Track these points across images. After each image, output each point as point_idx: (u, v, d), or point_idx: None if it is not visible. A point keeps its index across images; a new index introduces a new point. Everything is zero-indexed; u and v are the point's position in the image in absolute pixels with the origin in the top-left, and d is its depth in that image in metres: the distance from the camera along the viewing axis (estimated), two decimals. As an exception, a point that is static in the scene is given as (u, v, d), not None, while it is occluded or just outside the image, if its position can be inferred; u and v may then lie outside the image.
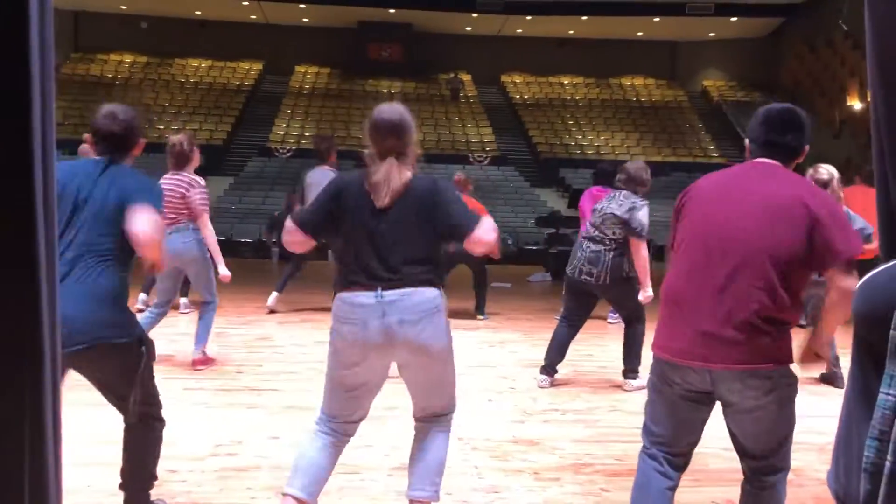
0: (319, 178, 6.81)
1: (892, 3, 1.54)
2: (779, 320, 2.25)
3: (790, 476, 3.57)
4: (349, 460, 3.59)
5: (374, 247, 2.59)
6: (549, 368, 5.24)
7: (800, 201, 2.22)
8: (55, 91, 1.77)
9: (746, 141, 2.46)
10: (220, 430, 4.02)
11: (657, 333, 2.43)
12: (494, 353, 6.39)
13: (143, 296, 7.41)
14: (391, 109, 2.71)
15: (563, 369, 5.66)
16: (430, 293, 2.62)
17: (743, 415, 2.32)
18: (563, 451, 3.89)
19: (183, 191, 5.24)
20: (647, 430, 2.54)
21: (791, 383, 2.32)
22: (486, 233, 2.62)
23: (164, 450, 3.67)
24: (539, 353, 6.37)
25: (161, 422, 2.98)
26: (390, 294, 2.56)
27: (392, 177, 2.59)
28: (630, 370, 5.17)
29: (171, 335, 6.53)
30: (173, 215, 5.19)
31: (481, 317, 8.05)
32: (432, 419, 2.84)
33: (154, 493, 3.09)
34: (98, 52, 25.74)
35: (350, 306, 2.60)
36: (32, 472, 1.56)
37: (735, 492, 2.62)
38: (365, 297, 2.57)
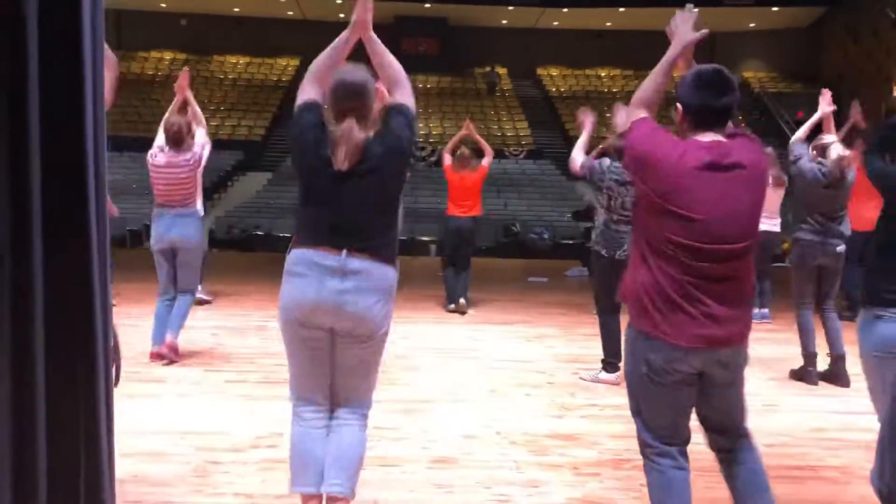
0: None
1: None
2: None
3: (835, 474, 3.53)
4: (388, 453, 3.62)
5: (338, 208, 2.56)
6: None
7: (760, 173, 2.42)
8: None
9: (678, 105, 2.47)
10: (262, 422, 4.07)
11: (655, 321, 2.37)
12: (531, 348, 6.38)
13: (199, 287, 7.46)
14: (354, 73, 2.68)
15: (601, 365, 5.63)
16: (391, 272, 2.62)
17: (731, 388, 2.45)
18: (603, 446, 3.88)
19: (189, 168, 5.33)
20: (647, 430, 2.51)
21: None
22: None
23: (207, 441, 3.75)
24: (576, 348, 6.35)
25: None
26: (353, 261, 2.54)
27: (352, 136, 2.54)
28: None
29: (212, 328, 6.64)
30: (179, 196, 5.30)
31: (453, 305, 7.86)
32: (352, 410, 2.72)
33: (196, 485, 3.15)
34: (139, 49, 26.16)
35: (309, 263, 2.56)
36: (88, 461, 1.61)
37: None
38: (326, 257, 2.54)
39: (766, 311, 7.63)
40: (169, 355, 5.28)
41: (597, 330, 7.25)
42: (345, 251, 2.53)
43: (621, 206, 4.92)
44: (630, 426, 4.24)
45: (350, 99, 2.61)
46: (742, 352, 2.42)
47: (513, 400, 4.73)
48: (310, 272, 2.55)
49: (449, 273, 7.92)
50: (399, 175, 2.66)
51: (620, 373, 5.10)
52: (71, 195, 1.64)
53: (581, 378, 5.26)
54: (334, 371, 2.68)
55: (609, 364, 5.17)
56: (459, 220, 7.70)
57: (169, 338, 5.29)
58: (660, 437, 2.47)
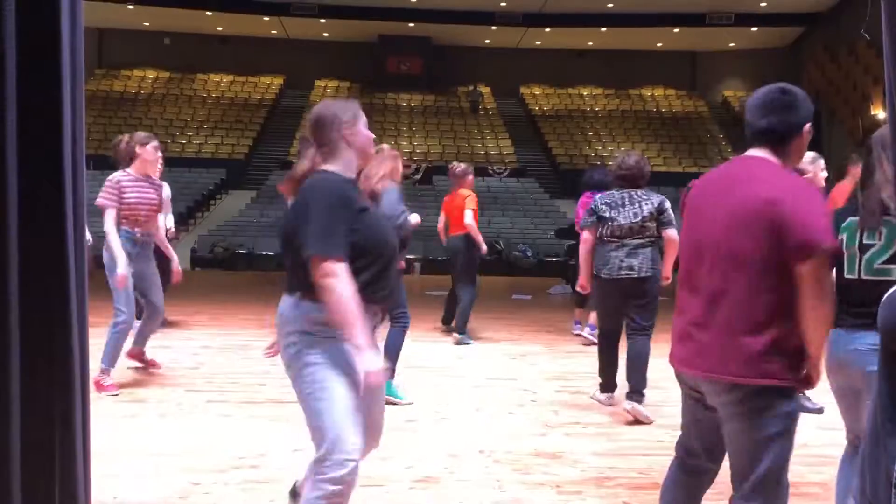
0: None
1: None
2: (762, 326, 2.13)
3: (817, 490, 3.54)
4: (372, 472, 3.60)
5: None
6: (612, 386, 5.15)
7: (764, 199, 2.12)
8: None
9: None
10: (244, 442, 4.04)
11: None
12: (515, 366, 6.37)
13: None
14: (321, 105, 2.63)
15: (584, 382, 5.64)
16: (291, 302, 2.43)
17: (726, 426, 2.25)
18: (586, 464, 3.87)
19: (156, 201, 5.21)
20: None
21: (768, 404, 2.14)
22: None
23: (188, 462, 3.71)
24: (560, 366, 6.36)
25: None
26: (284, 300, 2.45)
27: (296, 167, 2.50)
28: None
29: (194, 348, 6.59)
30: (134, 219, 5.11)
31: (457, 335, 7.54)
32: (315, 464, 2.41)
33: (179, 506, 3.11)
34: (122, 68, 26.12)
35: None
36: (63, 483, 1.59)
37: None
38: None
39: None
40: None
41: (579, 347, 7.29)
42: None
43: (610, 230, 4.95)
44: (612, 444, 4.26)
45: (309, 129, 2.58)
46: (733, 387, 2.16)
47: (496, 418, 4.72)
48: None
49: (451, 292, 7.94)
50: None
51: (613, 394, 5.10)
52: (48, 214, 1.63)
53: (589, 397, 5.25)
54: None
55: (600, 384, 5.16)
56: (449, 239, 7.68)
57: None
58: (679, 439, 2.52)
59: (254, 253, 16.71)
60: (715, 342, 2.18)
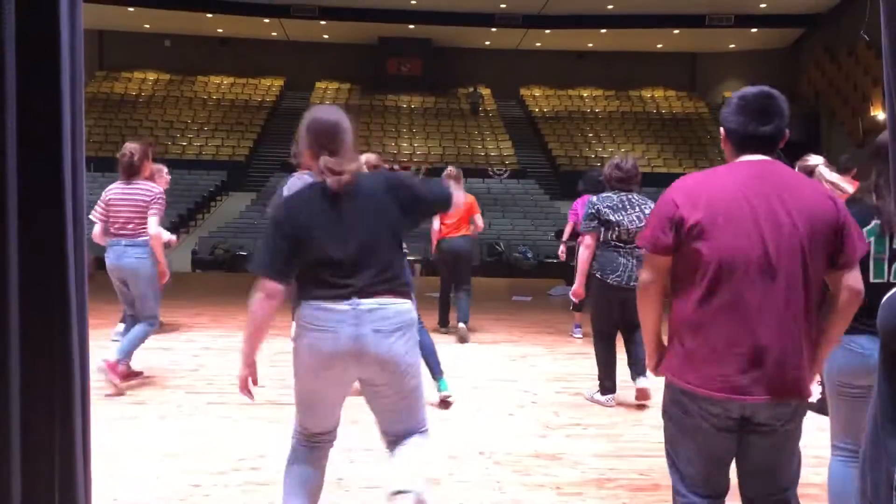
0: (294, 185, 6.66)
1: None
2: (810, 337, 2.16)
3: (817, 491, 3.54)
4: (372, 474, 3.60)
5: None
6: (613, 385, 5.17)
7: (830, 204, 2.12)
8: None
9: (722, 129, 2.29)
10: (244, 444, 4.04)
11: (699, 371, 2.15)
12: (516, 367, 6.37)
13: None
14: (325, 111, 2.68)
15: (585, 383, 5.64)
16: (405, 305, 2.55)
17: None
18: (586, 465, 3.87)
19: (143, 202, 5.20)
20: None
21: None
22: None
23: (188, 463, 3.71)
24: (560, 367, 6.35)
25: None
26: (366, 303, 2.47)
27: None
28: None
29: (195, 350, 6.59)
30: (131, 229, 5.18)
31: (462, 325, 7.68)
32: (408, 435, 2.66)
33: (179, 507, 3.11)
34: (122, 70, 26.13)
35: (323, 312, 2.48)
36: (63, 482, 1.59)
37: None
38: (339, 304, 2.47)
39: None
40: (107, 375, 4.98)
41: (579, 349, 7.29)
42: (354, 296, 2.49)
43: (617, 234, 4.94)
44: (613, 445, 4.26)
45: (324, 137, 2.58)
46: None
47: (497, 419, 4.72)
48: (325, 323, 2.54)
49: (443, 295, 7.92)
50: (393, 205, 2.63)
51: (613, 395, 5.12)
52: (48, 216, 1.63)
53: (585, 398, 5.26)
54: (375, 411, 2.67)
55: (602, 386, 5.18)
56: (449, 241, 7.67)
57: (108, 358, 5.02)
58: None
59: (254, 255, 16.67)
60: (789, 361, 2.09)
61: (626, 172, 4.99)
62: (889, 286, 2.36)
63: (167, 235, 5.67)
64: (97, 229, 5.30)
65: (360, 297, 2.46)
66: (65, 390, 1.65)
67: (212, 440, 4.12)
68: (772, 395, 2.08)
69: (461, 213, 7.51)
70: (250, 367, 2.59)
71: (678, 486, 2.30)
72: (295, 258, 2.51)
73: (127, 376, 5.14)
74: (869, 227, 2.47)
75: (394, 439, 2.68)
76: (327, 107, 2.72)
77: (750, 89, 2.25)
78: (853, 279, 2.14)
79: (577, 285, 5.20)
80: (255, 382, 2.59)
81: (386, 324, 2.47)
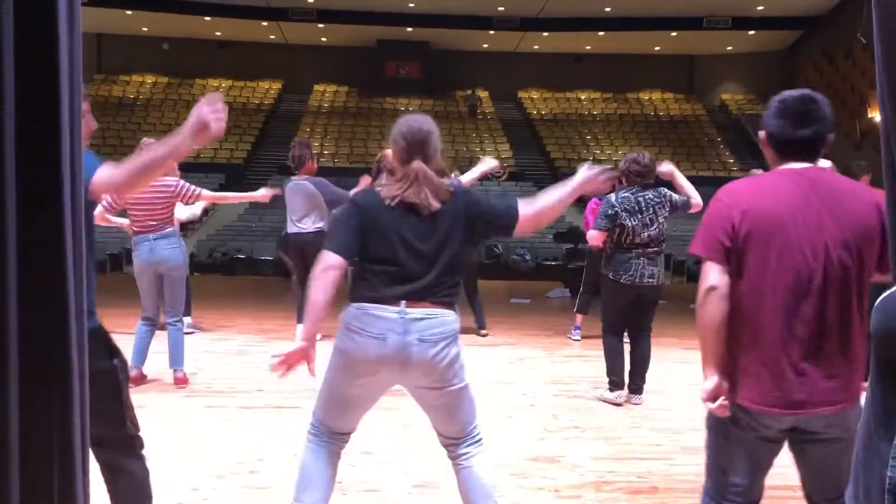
0: (294, 188, 6.65)
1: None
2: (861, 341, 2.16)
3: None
4: (370, 477, 3.60)
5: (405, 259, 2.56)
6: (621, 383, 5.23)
7: (876, 211, 2.09)
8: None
9: (761, 133, 2.26)
10: (243, 448, 4.04)
11: (752, 387, 2.13)
12: (514, 370, 6.37)
13: (187, 319, 7.47)
14: (418, 119, 2.74)
15: (583, 386, 5.64)
16: (450, 316, 2.62)
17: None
18: (584, 468, 3.87)
19: (168, 194, 5.27)
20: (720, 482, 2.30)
21: None
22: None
23: (187, 467, 3.71)
24: (559, 370, 6.35)
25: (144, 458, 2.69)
26: (414, 311, 2.53)
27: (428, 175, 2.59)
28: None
29: (193, 354, 6.59)
30: (155, 221, 5.26)
31: (483, 332, 7.92)
32: (461, 440, 2.78)
33: (177, 511, 3.11)
34: (120, 73, 26.13)
35: (371, 318, 2.54)
36: (62, 485, 1.59)
37: None
38: (388, 310, 2.53)
39: None
40: (181, 384, 5.38)
41: (578, 351, 7.29)
42: (403, 302, 2.55)
43: (630, 237, 4.96)
44: (611, 448, 4.26)
45: (418, 144, 2.66)
46: None
47: (495, 422, 4.71)
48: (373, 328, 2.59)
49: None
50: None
51: (622, 392, 5.15)
52: (47, 218, 1.63)
53: (598, 398, 5.30)
54: (429, 414, 2.78)
55: (612, 383, 5.22)
56: None
57: (177, 374, 5.39)
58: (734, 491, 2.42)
59: (253, 258, 16.68)
60: (839, 371, 2.10)
61: (645, 167, 5.02)
62: None
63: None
64: (98, 210, 5.25)
65: (409, 304, 2.52)
66: (63, 393, 1.64)
67: (210, 443, 4.12)
68: (825, 406, 2.09)
69: None
70: (310, 341, 2.58)
71: (716, 495, 2.29)
72: (361, 243, 2.57)
73: (139, 380, 5.32)
74: None
75: (450, 443, 2.78)
76: (420, 115, 2.78)
77: (791, 93, 2.23)
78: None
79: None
80: (310, 362, 2.59)
81: (431, 333, 2.54)
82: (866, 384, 2.06)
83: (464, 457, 2.76)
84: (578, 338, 7.68)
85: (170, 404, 4.91)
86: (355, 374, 2.61)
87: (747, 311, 2.12)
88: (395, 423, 4.53)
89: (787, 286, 2.07)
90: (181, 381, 5.37)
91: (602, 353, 5.34)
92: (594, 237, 5.17)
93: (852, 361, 2.12)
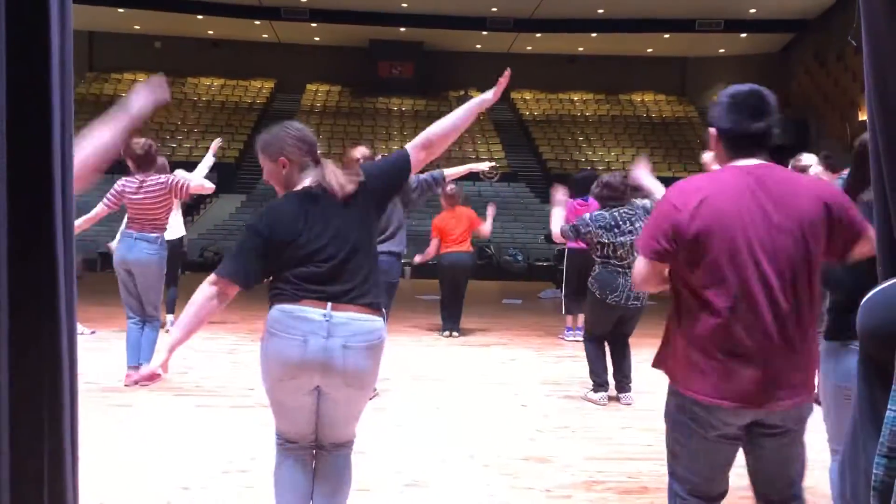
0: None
1: (890, 20, 1.55)
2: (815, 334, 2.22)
3: (806, 495, 3.55)
4: (361, 476, 3.59)
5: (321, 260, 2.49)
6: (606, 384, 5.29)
7: (821, 205, 2.11)
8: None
9: (712, 130, 2.24)
10: (233, 447, 4.03)
11: (707, 382, 2.14)
12: (506, 370, 6.38)
13: (170, 317, 7.48)
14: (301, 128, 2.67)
15: (575, 386, 5.65)
16: (377, 322, 2.54)
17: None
18: (575, 468, 3.88)
19: (161, 191, 5.29)
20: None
21: None
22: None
23: (177, 467, 3.70)
24: (550, 371, 6.36)
25: None
26: (339, 315, 2.45)
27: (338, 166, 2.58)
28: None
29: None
30: (143, 221, 5.30)
31: (456, 333, 7.95)
32: (340, 448, 2.73)
33: (167, 510, 3.10)
34: (112, 71, 26.03)
35: (294, 320, 2.47)
36: (52, 487, 1.59)
37: None
38: (312, 313, 2.45)
39: None
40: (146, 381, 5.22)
41: (569, 352, 7.30)
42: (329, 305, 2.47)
43: (613, 253, 4.99)
44: (602, 448, 4.27)
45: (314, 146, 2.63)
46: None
47: (486, 422, 4.72)
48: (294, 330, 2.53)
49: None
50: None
51: (605, 393, 5.19)
52: (38, 218, 1.63)
53: (582, 397, 5.34)
54: (323, 418, 2.65)
55: (595, 384, 5.27)
56: (451, 255, 7.79)
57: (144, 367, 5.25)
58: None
59: (225, 258, 16.62)
60: (794, 365, 2.12)
61: (616, 190, 5.07)
62: None
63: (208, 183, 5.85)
64: (96, 212, 5.35)
65: (335, 308, 2.44)
66: (53, 394, 1.64)
67: (201, 443, 4.11)
68: (781, 400, 2.10)
69: (463, 227, 7.70)
70: (170, 353, 2.57)
71: (679, 490, 2.29)
72: (270, 263, 2.50)
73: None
74: None
75: (323, 446, 2.70)
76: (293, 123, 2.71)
77: (740, 87, 2.23)
78: (870, 244, 2.07)
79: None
80: (165, 371, 2.60)
81: (356, 339, 2.45)
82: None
83: (334, 453, 2.72)
84: (571, 338, 7.69)
85: (160, 404, 4.90)
86: (279, 378, 2.60)
87: (700, 307, 2.13)
88: (388, 423, 4.53)
89: (738, 282, 2.07)
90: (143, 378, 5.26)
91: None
92: (556, 235, 5.25)
93: (806, 352, 2.14)
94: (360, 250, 2.51)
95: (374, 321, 2.51)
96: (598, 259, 5.11)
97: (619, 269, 5.00)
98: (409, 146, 2.69)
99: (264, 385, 2.63)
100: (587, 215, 5.19)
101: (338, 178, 2.51)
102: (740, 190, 2.11)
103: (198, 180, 5.76)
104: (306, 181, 2.55)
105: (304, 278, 2.46)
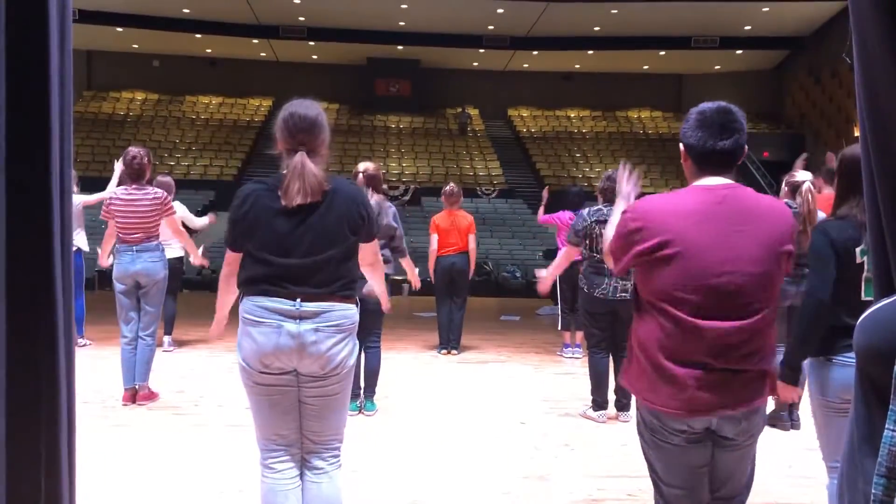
0: None
1: (881, 39, 1.56)
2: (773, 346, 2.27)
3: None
4: (359, 495, 3.57)
5: (288, 251, 2.50)
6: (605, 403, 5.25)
7: (784, 228, 2.18)
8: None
9: (681, 146, 2.29)
10: (231, 466, 4.00)
11: (661, 392, 2.17)
12: (504, 388, 6.36)
13: (167, 338, 7.46)
14: (307, 105, 2.62)
15: (573, 404, 5.63)
16: (349, 310, 2.58)
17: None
18: (574, 486, 3.86)
19: (157, 205, 5.35)
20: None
21: None
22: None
23: (175, 485, 3.68)
24: (548, 388, 6.34)
25: None
26: (309, 305, 2.49)
27: (306, 170, 2.49)
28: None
29: (181, 371, 6.55)
30: (140, 233, 5.30)
31: (455, 351, 7.88)
32: (325, 450, 2.67)
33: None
34: (110, 89, 26.11)
35: (264, 310, 2.51)
36: (48, 485, 1.58)
37: None
38: (282, 303, 2.49)
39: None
40: (143, 401, 5.32)
41: (568, 369, 7.29)
42: (298, 297, 2.49)
43: (598, 247, 5.00)
44: (601, 466, 4.25)
45: (302, 132, 2.56)
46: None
47: (485, 440, 4.70)
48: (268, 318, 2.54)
49: (442, 315, 7.94)
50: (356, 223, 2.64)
51: (605, 412, 5.16)
52: (37, 232, 1.63)
53: (580, 414, 5.33)
54: (305, 410, 2.62)
55: (595, 402, 5.24)
56: (449, 257, 7.78)
57: (140, 385, 5.32)
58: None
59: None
60: (750, 377, 2.16)
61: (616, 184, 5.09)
62: None
63: (200, 221, 5.85)
64: (109, 231, 5.44)
65: (304, 301, 2.48)
66: (50, 407, 1.64)
67: (198, 462, 4.09)
68: (731, 409, 2.14)
69: (460, 231, 7.71)
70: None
71: (659, 500, 2.34)
72: (246, 240, 2.56)
73: (150, 397, 5.38)
74: (861, 246, 2.50)
75: (311, 450, 2.66)
76: (307, 101, 2.64)
77: (708, 105, 2.26)
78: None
79: (549, 275, 5.07)
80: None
81: (327, 325, 2.50)
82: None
83: (316, 471, 2.65)
84: (570, 355, 7.68)
85: (155, 422, 4.88)
86: (258, 366, 2.61)
87: (655, 320, 2.16)
88: (386, 439, 4.51)
89: (693, 298, 2.11)
90: (145, 398, 5.31)
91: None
92: (567, 254, 5.26)
93: (759, 367, 2.17)
94: (327, 252, 2.53)
95: (345, 309, 2.56)
96: (585, 254, 5.14)
97: (605, 267, 5.00)
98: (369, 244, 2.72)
99: (245, 388, 2.62)
100: (584, 211, 5.22)
101: (292, 186, 2.48)
102: (702, 209, 2.15)
103: (191, 219, 5.91)
104: (284, 170, 2.55)
105: (274, 274, 2.53)
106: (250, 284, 2.56)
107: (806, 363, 2.67)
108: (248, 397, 2.63)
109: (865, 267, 2.50)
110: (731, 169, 2.23)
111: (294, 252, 2.49)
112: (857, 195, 2.51)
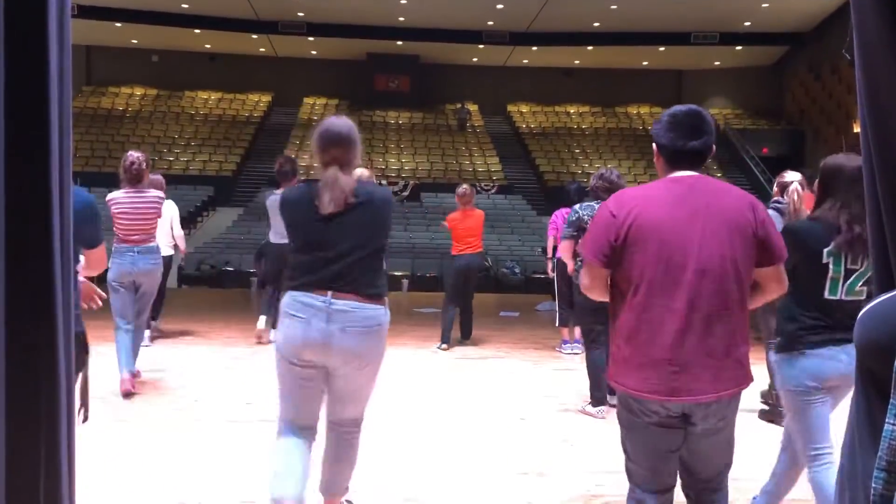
0: (275, 201, 6.77)
1: (882, 34, 1.56)
2: (747, 332, 2.32)
3: (802, 506, 3.54)
4: (357, 492, 3.58)
5: (325, 253, 2.74)
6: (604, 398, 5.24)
7: (749, 213, 2.27)
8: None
9: (654, 145, 2.41)
10: (231, 460, 4.01)
11: (635, 376, 2.27)
12: (503, 383, 6.37)
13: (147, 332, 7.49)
14: (339, 122, 2.91)
15: (573, 399, 5.64)
16: (378, 310, 2.79)
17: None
18: (574, 482, 3.87)
19: (157, 207, 5.47)
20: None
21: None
22: None
23: (175, 481, 3.68)
24: (548, 384, 6.35)
25: None
26: (339, 303, 2.71)
27: (337, 183, 2.75)
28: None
29: (180, 367, 6.55)
30: (140, 235, 5.37)
31: (445, 346, 7.90)
32: (344, 432, 3.00)
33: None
34: (109, 85, 26.09)
35: (299, 304, 2.74)
36: (48, 485, 1.59)
37: None
38: (315, 298, 2.72)
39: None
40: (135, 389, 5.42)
41: (567, 364, 7.30)
42: (329, 293, 2.72)
43: None
44: (601, 461, 4.26)
45: (334, 146, 2.83)
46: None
47: (484, 435, 4.71)
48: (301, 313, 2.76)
49: (449, 312, 7.98)
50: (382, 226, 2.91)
51: (604, 407, 5.16)
52: (36, 230, 1.63)
53: (579, 410, 5.33)
54: (329, 395, 2.91)
55: (594, 398, 5.23)
56: (465, 256, 7.88)
57: (124, 376, 5.38)
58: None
59: (241, 270, 16.62)
60: (719, 362, 2.22)
61: (612, 183, 5.13)
62: (845, 303, 2.63)
63: (179, 232, 6.03)
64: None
65: (335, 297, 2.71)
66: (50, 407, 1.64)
67: (199, 457, 4.09)
68: (705, 394, 2.21)
69: (477, 230, 7.84)
70: None
71: (630, 481, 2.47)
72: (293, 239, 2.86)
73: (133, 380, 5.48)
74: (829, 248, 2.66)
75: (333, 423, 2.98)
76: (341, 119, 2.96)
77: (680, 108, 2.40)
78: (777, 275, 2.34)
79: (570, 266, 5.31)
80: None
81: (354, 324, 2.72)
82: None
83: (347, 433, 3.01)
84: (569, 351, 7.69)
85: (156, 418, 4.88)
86: (287, 356, 2.82)
87: (629, 305, 2.26)
88: (385, 437, 4.52)
89: (665, 282, 2.21)
90: (129, 382, 5.35)
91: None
92: (564, 248, 5.27)
93: (733, 353, 2.24)
94: (362, 251, 2.77)
95: (372, 308, 2.77)
96: (579, 252, 5.16)
97: None
98: None
99: (277, 371, 2.85)
100: (576, 206, 5.27)
101: (322, 196, 2.75)
102: (671, 197, 2.28)
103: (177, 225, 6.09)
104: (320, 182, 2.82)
105: (311, 269, 2.77)
106: (290, 280, 2.82)
107: (772, 358, 2.78)
108: (278, 380, 2.87)
109: (831, 268, 2.67)
110: (700, 167, 2.36)
111: (328, 252, 2.74)
112: (834, 200, 2.69)
